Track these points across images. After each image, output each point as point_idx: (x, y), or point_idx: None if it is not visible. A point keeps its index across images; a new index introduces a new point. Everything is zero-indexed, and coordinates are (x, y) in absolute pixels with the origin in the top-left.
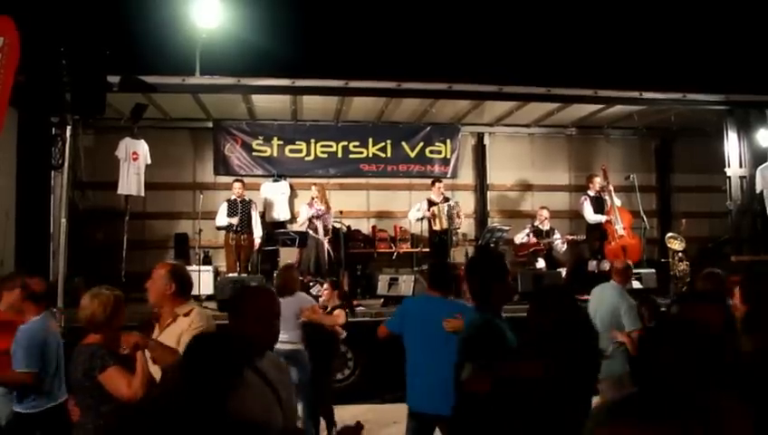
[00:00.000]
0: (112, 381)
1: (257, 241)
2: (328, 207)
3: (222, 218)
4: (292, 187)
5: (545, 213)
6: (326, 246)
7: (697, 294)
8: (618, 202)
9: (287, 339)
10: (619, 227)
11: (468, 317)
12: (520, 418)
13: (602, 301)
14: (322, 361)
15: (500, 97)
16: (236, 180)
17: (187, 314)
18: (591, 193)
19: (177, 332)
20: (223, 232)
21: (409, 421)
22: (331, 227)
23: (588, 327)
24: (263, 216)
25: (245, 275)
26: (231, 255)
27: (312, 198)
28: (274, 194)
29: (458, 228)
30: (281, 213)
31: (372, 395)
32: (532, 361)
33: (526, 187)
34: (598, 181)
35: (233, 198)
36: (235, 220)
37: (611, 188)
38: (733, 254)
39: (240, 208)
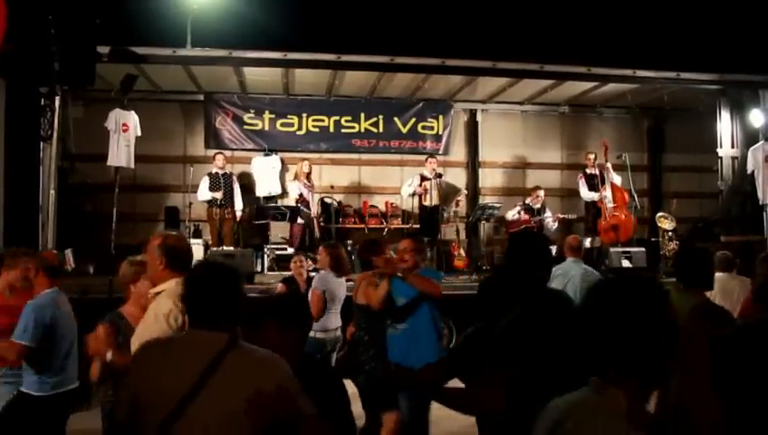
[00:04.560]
0: None
1: (239, 214)
2: (312, 184)
3: (204, 193)
4: (283, 161)
5: (541, 193)
6: (316, 221)
7: None
8: (618, 179)
9: (338, 325)
10: (611, 206)
11: None
12: None
13: (566, 275)
14: None
15: (493, 73)
16: (218, 153)
17: (158, 294)
18: (588, 170)
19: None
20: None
21: None
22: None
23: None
24: (250, 189)
25: (233, 248)
26: (215, 229)
27: (306, 174)
28: (265, 168)
29: (450, 212)
30: (272, 187)
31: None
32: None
33: (518, 164)
34: (592, 158)
35: (214, 171)
36: (218, 194)
37: (609, 165)
38: (722, 234)
39: (223, 182)
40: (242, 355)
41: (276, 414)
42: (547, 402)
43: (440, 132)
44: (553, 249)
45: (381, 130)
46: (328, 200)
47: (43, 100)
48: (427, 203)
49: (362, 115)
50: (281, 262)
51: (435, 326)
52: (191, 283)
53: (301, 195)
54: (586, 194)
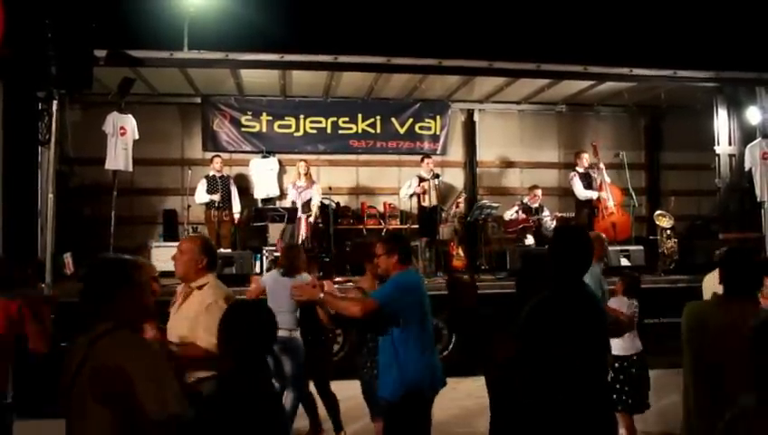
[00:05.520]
0: None
1: (236, 216)
2: (311, 183)
3: (201, 195)
4: (281, 163)
5: (538, 193)
6: (303, 221)
7: None
8: (607, 179)
9: (287, 327)
10: (610, 204)
11: None
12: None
13: None
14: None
15: (490, 73)
16: (216, 156)
17: (200, 288)
18: (580, 169)
19: (193, 308)
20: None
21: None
22: (316, 202)
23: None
24: (246, 191)
25: (229, 250)
26: (213, 231)
27: (300, 175)
28: (263, 170)
29: (450, 213)
30: (270, 189)
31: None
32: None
33: (515, 164)
34: (586, 157)
35: (211, 174)
36: (216, 197)
37: (602, 165)
38: (720, 231)
39: (220, 185)
40: (111, 339)
41: (111, 391)
42: (559, 398)
43: (438, 132)
44: None
45: (379, 130)
46: (326, 201)
47: (40, 104)
48: (425, 204)
49: (360, 116)
50: None
51: (392, 335)
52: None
53: (293, 202)
54: (583, 192)
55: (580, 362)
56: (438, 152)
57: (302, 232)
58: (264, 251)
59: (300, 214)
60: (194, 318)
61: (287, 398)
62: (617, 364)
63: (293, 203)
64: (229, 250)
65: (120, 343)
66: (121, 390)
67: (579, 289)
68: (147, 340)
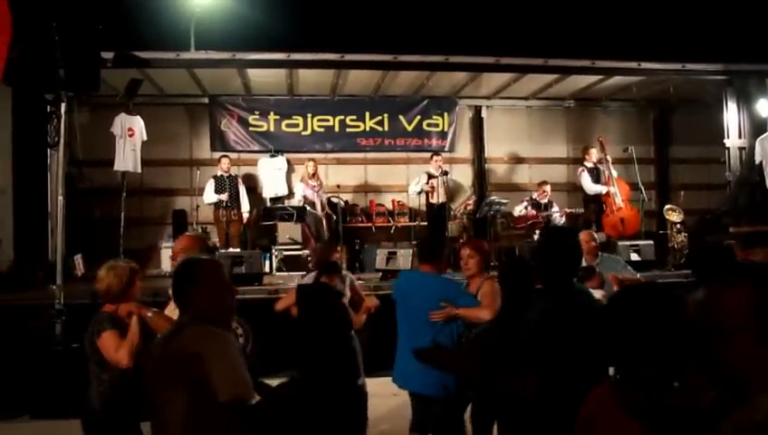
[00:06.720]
0: (104, 346)
1: (245, 216)
2: (320, 183)
3: (210, 195)
4: (289, 162)
5: (548, 188)
6: (324, 220)
7: None
8: (614, 174)
9: None
10: (618, 199)
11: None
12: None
13: None
14: None
15: (497, 69)
16: (223, 156)
17: None
18: (588, 164)
19: None
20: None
21: (411, 400)
22: (324, 202)
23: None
24: (255, 190)
25: (239, 250)
26: (222, 231)
27: (311, 174)
28: (272, 169)
29: (458, 212)
30: (278, 188)
31: (375, 368)
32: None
33: (524, 160)
34: (594, 153)
35: (219, 173)
36: (224, 196)
37: (609, 159)
38: (731, 225)
39: (228, 184)
40: (188, 330)
41: (189, 375)
42: (569, 396)
43: (445, 129)
44: None
45: (386, 128)
46: (335, 200)
47: (49, 106)
48: (434, 201)
49: (367, 114)
50: (289, 263)
51: None
52: None
53: (305, 197)
54: (592, 187)
55: (589, 368)
56: (446, 149)
57: (325, 232)
58: (273, 250)
59: (320, 213)
60: None
61: None
62: None
63: (305, 199)
64: (238, 250)
65: (195, 334)
66: (198, 373)
67: (573, 291)
68: (220, 331)
